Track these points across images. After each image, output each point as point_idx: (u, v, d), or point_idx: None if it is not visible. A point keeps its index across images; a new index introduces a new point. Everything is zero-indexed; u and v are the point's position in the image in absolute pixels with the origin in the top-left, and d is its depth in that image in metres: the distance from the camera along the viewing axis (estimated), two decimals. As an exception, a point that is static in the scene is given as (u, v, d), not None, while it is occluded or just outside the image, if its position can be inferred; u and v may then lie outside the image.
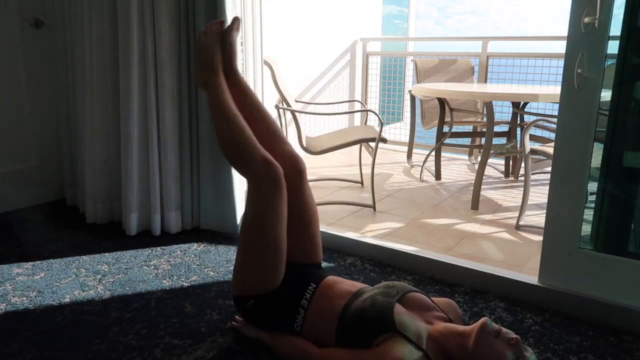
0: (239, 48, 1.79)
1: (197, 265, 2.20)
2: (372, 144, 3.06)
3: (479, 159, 3.35)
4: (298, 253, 1.66)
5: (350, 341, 1.40)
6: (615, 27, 1.70)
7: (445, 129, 3.72)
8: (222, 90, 1.64)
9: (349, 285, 1.57)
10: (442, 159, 3.85)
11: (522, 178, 3.43)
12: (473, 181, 3.45)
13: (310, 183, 3.72)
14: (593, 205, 1.90)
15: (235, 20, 1.72)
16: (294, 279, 1.59)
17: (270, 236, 1.51)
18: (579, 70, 1.73)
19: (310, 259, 1.69)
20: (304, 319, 1.51)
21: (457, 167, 4.25)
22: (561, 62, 1.79)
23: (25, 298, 1.89)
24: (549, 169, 1.99)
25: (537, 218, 2.90)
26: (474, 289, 2.02)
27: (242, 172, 1.58)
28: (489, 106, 3.16)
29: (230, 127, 1.57)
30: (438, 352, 1.32)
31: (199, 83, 1.71)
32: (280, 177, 1.50)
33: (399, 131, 5.18)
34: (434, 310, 1.46)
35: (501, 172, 3.96)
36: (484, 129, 3.45)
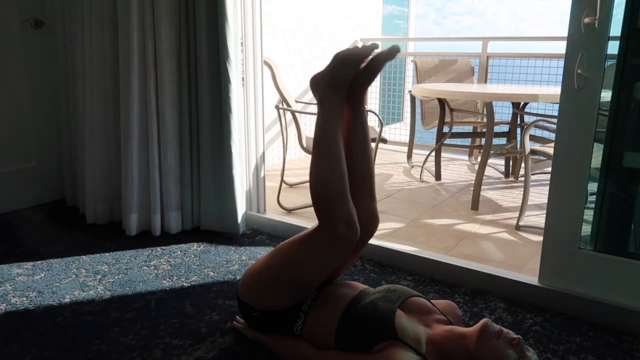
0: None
1: (197, 265, 2.20)
2: (372, 144, 3.06)
3: (479, 159, 3.35)
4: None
5: (350, 345, 1.39)
6: (615, 28, 1.70)
7: (445, 129, 3.72)
8: (336, 119, 1.45)
9: (350, 288, 1.57)
10: (442, 159, 3.85)
11: (522, 178, 3.43)
12: (473, 181, 3.45)
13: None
14: (593, 205, 1.90)
15: (394, 49, 1.54)
16: None
17: (308, 281, 1.47)
18: (579, 71, 1.73)
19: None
20: (304, 323, 1.50)
21: (457, 168, 4.25)
22: (561, 63, 1.79)
23: (25, 298, 1.89)
24: (549, 169, 1.99)
25: (537, 218, 2.90)
26: (474, 290, 2.02)
27: (319, 219, 1.42)
28: (489, 106, 3.16)
29: (329, 170, 1.40)
30: (438, 356, 1.32)
31: (315, 93, 1.51)
32: (354, 243, 1.39)
33: (399, 131, 5.19)
34: (434, 313, 1.45)
35: (501, 173, 3.96)
36: (484, 130, 3.45)
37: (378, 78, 5.15)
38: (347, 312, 1.45)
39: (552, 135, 3.15)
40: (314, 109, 4.57)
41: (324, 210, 1.39)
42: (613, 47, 1.73)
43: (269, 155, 4.17)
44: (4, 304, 1.84)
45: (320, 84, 1.49)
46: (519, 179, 3.77)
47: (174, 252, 2.33)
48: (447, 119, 3.72)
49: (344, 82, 1.47)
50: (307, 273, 1.45)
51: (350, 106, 1.54)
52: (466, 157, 4.52)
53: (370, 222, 1.57)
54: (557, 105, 1.83)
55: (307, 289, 1.49)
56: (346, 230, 1.37)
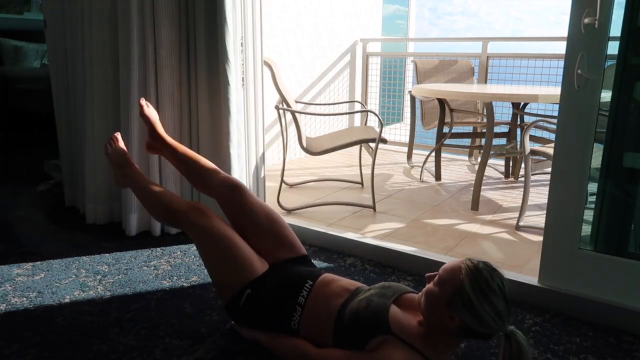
0: (156, 116, 2.02)
1: (197, 265, 2.20)
2: (372, 145, 3.06)
3: (479, 159, 3.35)
4: (276, 251, 1.71)
5: (346, 341, 1.40)
6: (615, 28, 1.70)
7: (445, 129, 3.72)
8: (138, 174, 1.92)
9: (346, 283, 1.57)
10: (442, 159, 3.85)
11: (522, 179, 3.43)
12: (473, 182, 3.45)
13: (310, 184, 3.72)
14: (593, 205, 1.90)
15: (141, 99, 2.04)
16: (288, 275, 1.61)
17: (219, 240, 1.63)
18: (579, 71, 1.73)
19: (292, 252, 1.74)
20: (301, 317, 1.51)
21: (457, 168, 4.25)
22: (561, 63, 1.80)
23: (25, 299, 1.89)
24: (549, 169, 1.99)
25: (537, 218, 2.90)
26: (474, 290, 2.02)
27: (179, 225, 1.76)
28: (489, 107, 3.16)
29: (153, 199, 1.82)
30: (433, 348, 1.33)
31: (121, 184, 1.99)
32: (203, 207, 1.70)
33: (399, 132, 5.18)
34: None
35: (501, 173, 3.96)
36: (484, 130, 3.45)
37: (378, 78, 5.17)
38: (343, 308, 1.45)
39: (552, 136, 3.15)
40: (314, 109, 4.58)
41: (170, 218, 1.76)
42: (613, 47, 1.73)
43: (269, 156, 4.17)
44: (4, 304, 1.84)
45: (115, 179, 2.01)
46: (519, 179, 3.77)
47: (173, 253, 2.33)
48: (447, 119, 3.72)
49: (123, 162, 1.96)
50: (213, 239, 1.64)
51: (156, 144, 1.99)
52: (466, 158, 4.52)
53: (228, 183, 1.81)
54: (557, 105, 1.83)
55: (230, 243, 1.63)
56: (188, 208, 1.70)
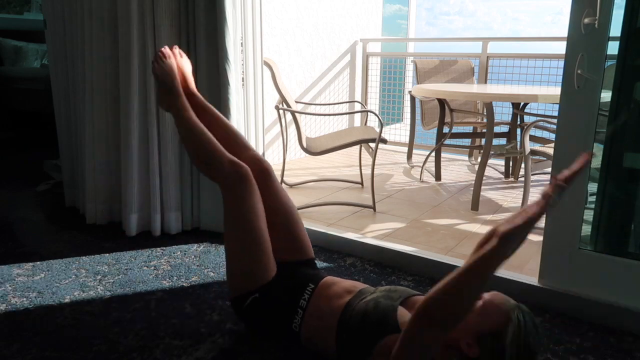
0: (188, 68, 1.84)
1: (197, 265, 2.20)
2: (372, 145, 3.06)
3: (479, 159, 3.35)
4: (286, 251, 1.70)
5: (352, 342, 1.40)
6: (615, 28, 1.70)
7: (445, 129, 3.72)
8: (186, 108, 1.73)
9: (349, 285, 1.57)
10: (442, 159, 3.85)
11: (522, 179, 3.43)
12: (473, 182, 3.45)
13: (310, 184, 3.72)
14: (593, 206, 1.90)
15: (174, 48, 1.85)
16: (291, 279, 1.60)
17: (249, 229, 1.58)
18: (579, 71, 1.73)
19: (300, 255, 1.73)
20: (302, 319, 1.51)
21: (457, 168, 4.25)
22: (561, 63, 1.80)
23: (25, 299, 1.89)
24: (549, 169, 1.99)
25: (537, 219, 2.89)
26: (474, 290, 2.02)
27: (213, 177, 1.67)
28: (489, 107, 3.16)
29: (197, 139, 1.67)
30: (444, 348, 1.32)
31: (163, 107, 1.79)
32: (246, 173, 1.61)
33: (399, 132, 5.19)
34: None
35: (501, 173, 3.96)
36: (484, 130, 3.45)
37: (378, 78, 5.17)
38: (348, 308, 1.45)
39: (552, 136, 3.15)
40: (314, 109, 4.59)
41: (208, 168, 1.66)
42: (613, 48, 1.73)
43: (269, 156, 4.17)
44: (4, 304, 1.84)
45: (160, 99, 1.78)
46: (519, 179, 3.77)
47: (174, 253, 2.33)
48: (447, 119, 3.72)
49: (172, 85, 1.75)
50: (242, 223, 1.58)
51: (187, 100, 1.77)
52: (466, 158, 4.52)
53: (257, 164, 1.77)
54: (557, 105, 1.83)
55: (258, 239, 1.58)
56: (231, 167, 1.60)
